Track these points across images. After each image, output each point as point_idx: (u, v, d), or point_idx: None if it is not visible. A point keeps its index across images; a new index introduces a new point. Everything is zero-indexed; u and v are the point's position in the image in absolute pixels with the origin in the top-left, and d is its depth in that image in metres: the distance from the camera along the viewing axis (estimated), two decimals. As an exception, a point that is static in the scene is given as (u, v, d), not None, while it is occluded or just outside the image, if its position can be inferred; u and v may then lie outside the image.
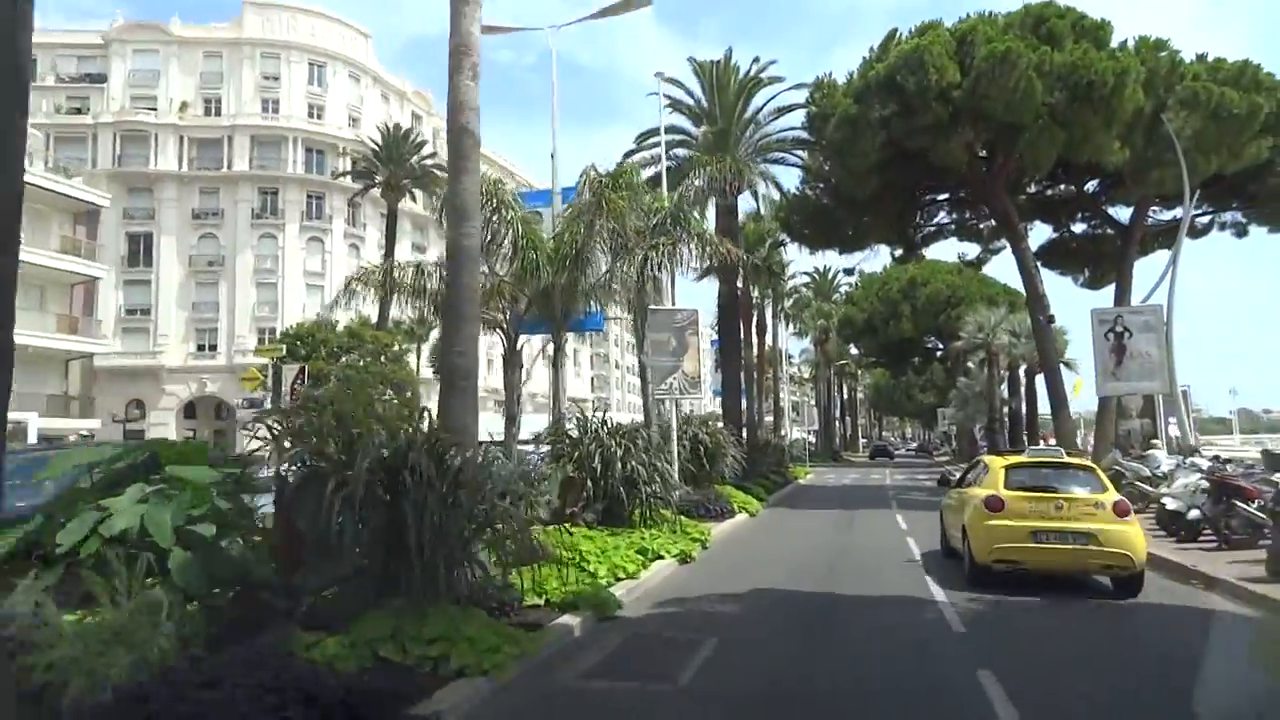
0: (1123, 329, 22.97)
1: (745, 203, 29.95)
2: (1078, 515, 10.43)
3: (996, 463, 12.36)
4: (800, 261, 67.74)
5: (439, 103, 73.80)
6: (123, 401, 56.83)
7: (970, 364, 47.94)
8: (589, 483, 13.57)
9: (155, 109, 61.68)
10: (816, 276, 69.76)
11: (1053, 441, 26.67)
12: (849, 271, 33.88)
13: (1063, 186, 32.75)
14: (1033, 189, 32.76)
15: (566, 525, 12.07)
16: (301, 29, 65.32)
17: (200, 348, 61.94)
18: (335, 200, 64.27)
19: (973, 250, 35.37)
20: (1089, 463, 13.56)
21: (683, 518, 16.30)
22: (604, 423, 14.50)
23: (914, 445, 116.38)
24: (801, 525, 20.54)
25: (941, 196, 33.22)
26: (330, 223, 66.30)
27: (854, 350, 78.46)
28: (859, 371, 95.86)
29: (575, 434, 14.55)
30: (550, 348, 18.87)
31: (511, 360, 17.57)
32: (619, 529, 13.68)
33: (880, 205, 30.34)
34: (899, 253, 34.66)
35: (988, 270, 45.27)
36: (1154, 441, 24.31)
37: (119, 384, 58.04)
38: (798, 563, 13.84)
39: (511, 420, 17.20)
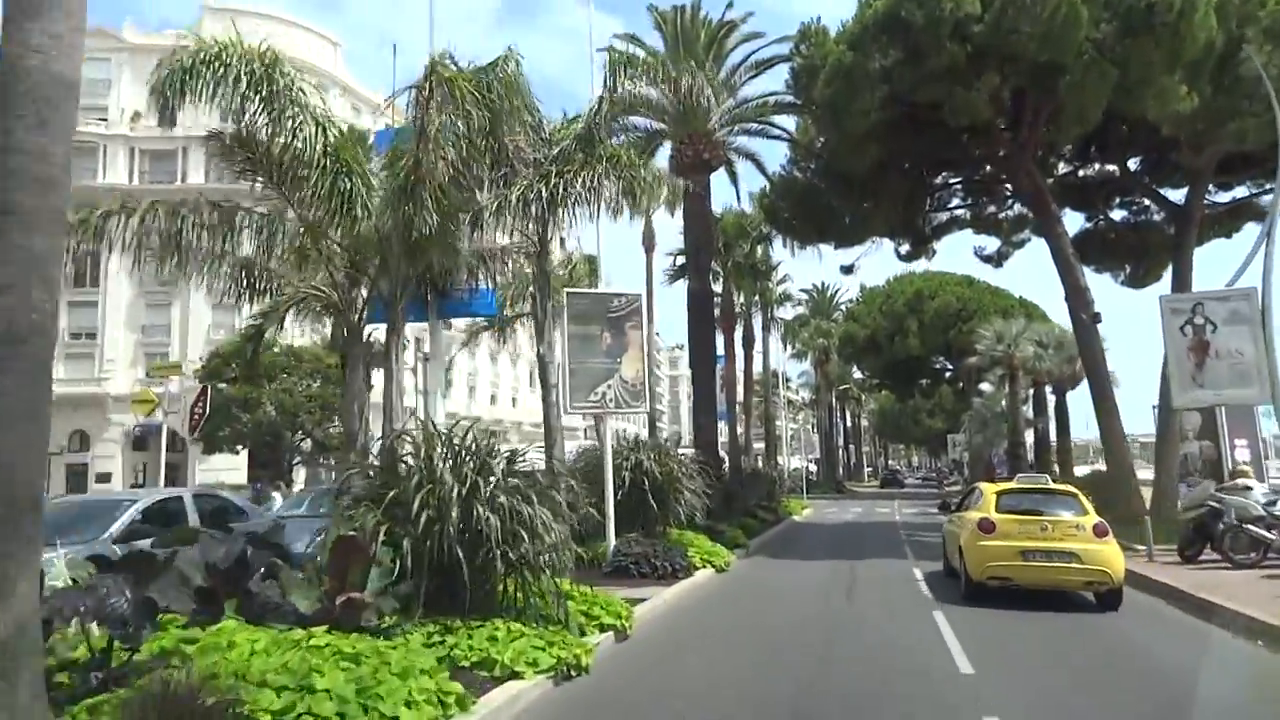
0: (1204, 320, 17.16)
1: (723, 193, 24.37)
2: (1062, 536, 11.32)
3: (989, 489, 13.27)
4: (792, 265, 62.11)
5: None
6: (65, 433, 51.42)
7: (986, 383, 42.16)
8: (401, 547, 7.87)
9: (105, 119, 56.91)
10: (815, 294, 64.19)
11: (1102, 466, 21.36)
12: (847, 270, 28.26)
13: (1098, 166, 27.18)
14: (1063, 169, 27.16)
15: (327, 626, 6.49)
16: (264, 36, 60.53)
17: (149, 374, 56.49)
18: (299, 216, 59.32)
19: (991, 244, 29.77)
20: (1071, 488, 13.67)
21: (598, 591, 10.58)
22: (457, 447, 8.74)
23: (922, 474, 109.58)
24: (784, 585, 14.71)
25: (955, 180, 27.64)
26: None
27: (857, 373, 72.71)
28: (863, 396, 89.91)
29: (409, 465, 8.80)
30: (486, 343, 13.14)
31: (356, 353, 11.92)
32: (454, 621, 7.95)
33: (882, 187, 24.76)
34: (905, 248, 28.96)
35: (1004, 277, 39.66)
36: (1242, 467, 18.43)
37: (60, 414, 52.13)
38: (763, 670, 8.14)
39: (351, 441, 11.55)
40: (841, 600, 12.62)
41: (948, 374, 62.74)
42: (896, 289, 52.54)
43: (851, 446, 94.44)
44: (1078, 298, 22.78)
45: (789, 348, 65.36)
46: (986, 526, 11.67)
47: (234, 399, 37.23)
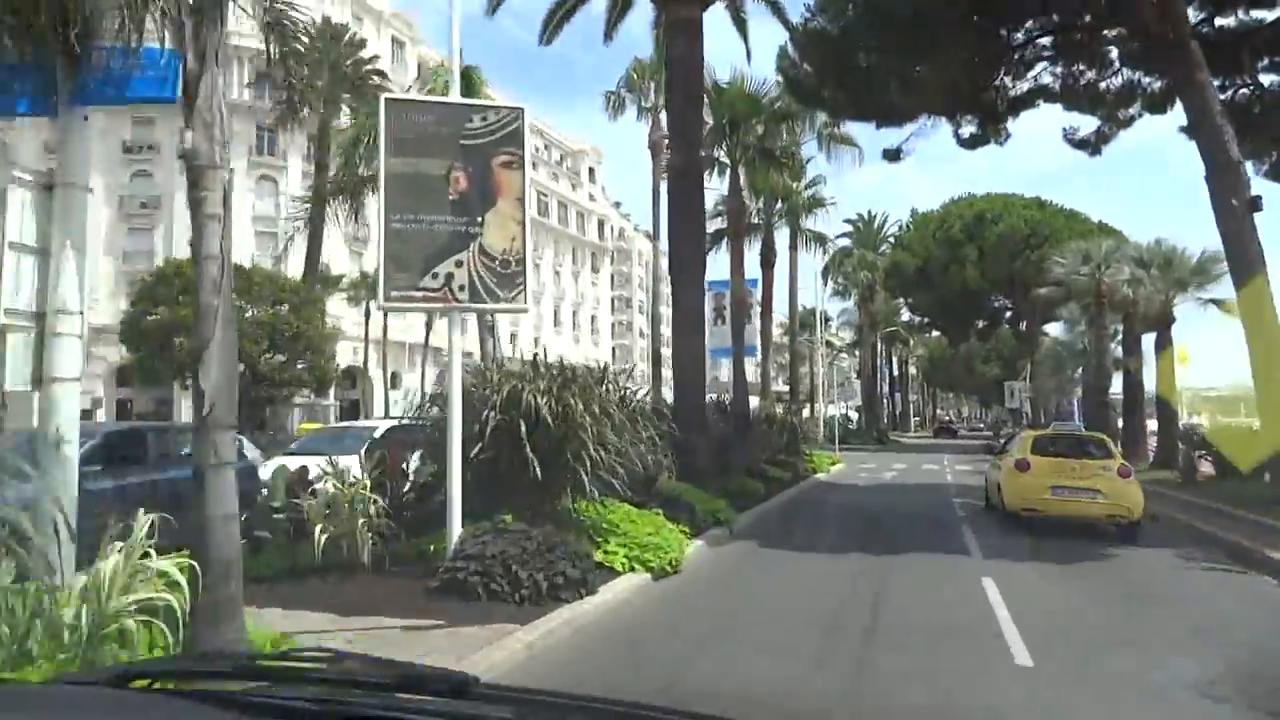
0: None
1: (729, 53, 17.25)
2: (1088, 475, 12.75)
3: (1027, 434, 15.59)
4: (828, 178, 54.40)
5: (423, 26, 62.95)
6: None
7: (1060, 320, 34.71)
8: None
9: (78, 24, 51.13)
10: (860, 224, 56.52)
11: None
12: (892, 156, 20.66)
13: (1240, 12, 19.58)
14: (1193, 16, 19.51)
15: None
16: (253, -68, 53.81)
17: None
18: (294, 133, 53.23)
19: (1087, 125, 22.20)
20: (1101, 435, 15.45)
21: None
22: None
23: (982, 425, 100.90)
24: (747, 618, 8.22)
25: (1042, 34, 20.19)
26: (285, 159, 55.28)
27: (905, 313, 65.01)
28: (911, 341, 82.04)
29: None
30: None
31: None
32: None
33: (943, 43, 17.61)
34: (969, 129, 21.66)
35: (1080, 201, 31.67)
36: None
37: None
38: None
39: None
40: (846, 679, 6.06)
41: (1008, 313, 54.93)
42: (953, 212, 44.83)
43: (898, 394, 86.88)
44: (1227, 177, 15.47)
45: (830, 283, 58.05)
46: (1022, 465, 13.15)
47: (170, 324, 31.51)
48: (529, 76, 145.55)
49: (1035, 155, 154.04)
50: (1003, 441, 18.30)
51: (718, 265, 26.93)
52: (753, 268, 27.25)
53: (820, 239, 26.99)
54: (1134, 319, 27.28)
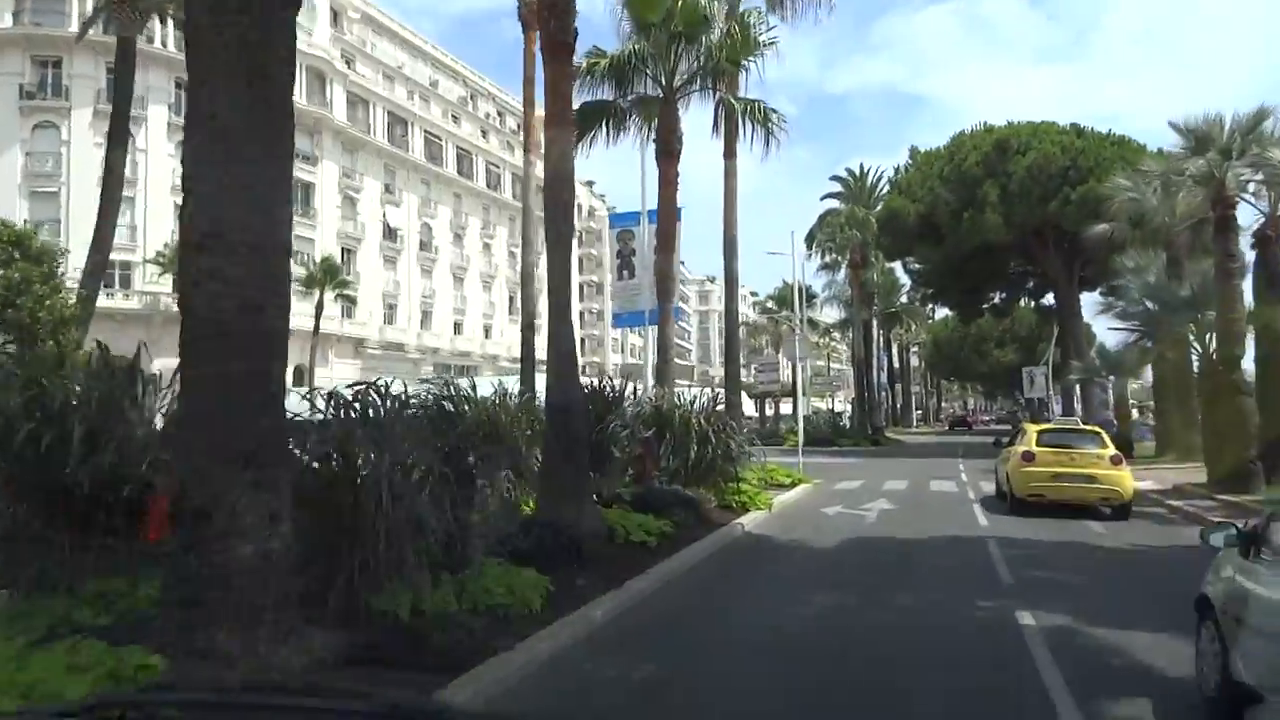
0: None
1: None
2: (1085, 464, 13.96)
3: (1031, 428, 16.34)
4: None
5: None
6: None
7: (1124, 266, 23.56)
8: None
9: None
10: (851, 180, 45.54)
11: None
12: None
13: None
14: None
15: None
16: None
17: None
18: (154, 75, 42.66)
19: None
20: (1096, 428, 17.19)
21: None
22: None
23: (994, 417, 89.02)
24: None
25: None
26: (146, 108, 44.42)
27: (904, 289, 53.75)
28: (912, 325, 70.78)
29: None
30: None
31: None
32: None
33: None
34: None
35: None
36: None
37: None
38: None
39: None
40: None
41: (1031, 282, 43.80)
42: (967, 144, 33.73)
43: (897, 385, 75.72)
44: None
45: (813, 252, 46.96)
46: (1028, 456, 14.24)
47: None
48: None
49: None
50: (1010, 438, 18.29)
51: (624, 182, 16.17)
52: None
53: (764, 118, 15.67)
54: (1272, 242, 16.18)
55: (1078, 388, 39.21)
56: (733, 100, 16.02)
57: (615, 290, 20.04)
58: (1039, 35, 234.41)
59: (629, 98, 15.17)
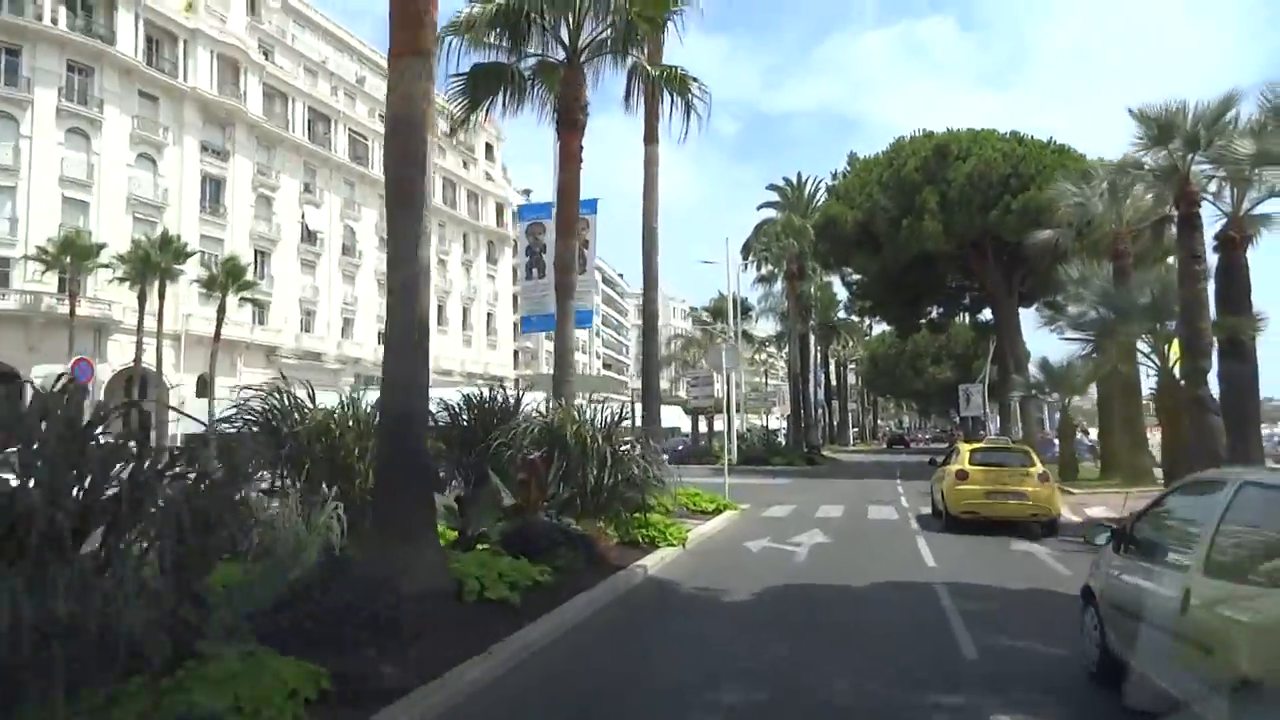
0: None
1: None
2: (1016, 481, 14.24)
3: (965, 448, 16.11)
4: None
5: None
6: None
7: (1068, 276, 22.10)
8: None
9: None
10: (789, 189, 44.03)
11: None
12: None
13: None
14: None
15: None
16: None
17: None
18: (43, 55, 38.95)
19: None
20: (1025, 446, 17.89)
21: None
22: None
23: (930, 434, 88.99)
24: None
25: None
26: (102, 110, 40.86)
27: (841, 301, 52.46)
28: (848, 342, 69.82)
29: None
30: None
31: None
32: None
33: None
34: None
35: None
36: None
37: None
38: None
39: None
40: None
41: (968, 297, 42.77)
42: (907, 151, 32.34)
43: (834, 402, 74.66)
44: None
45: (750, 264, 45.28)
46: (961, 475, 14.45)
47: None
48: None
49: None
50: (944, 457, 19.40)
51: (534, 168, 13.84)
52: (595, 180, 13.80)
53: (682, 85, 13.49)
54: (1237, 244, 14.68)
55: (1016, 405, 38.16)
56: (647, 66, 13.89)
57: (523, 291, 17.79)
58: (974, 60, 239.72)
59: (528, 61, 12.94)
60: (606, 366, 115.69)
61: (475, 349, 69.78)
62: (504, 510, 10.07)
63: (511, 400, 12.07)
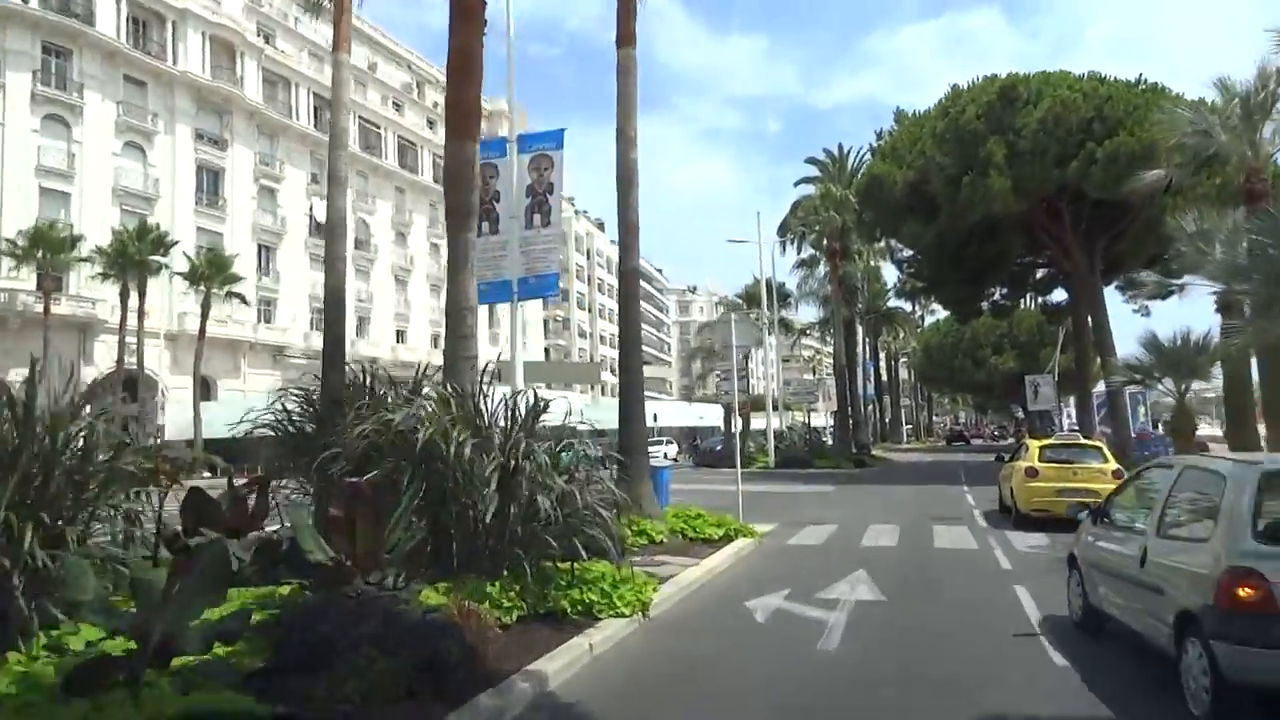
0: None
1: None
2: (1087, 478, 13.70)
3: (1034, 444, 15.88)
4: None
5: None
6: None
7: (1186, 225, 17.27)
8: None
9: None
10: (830, 161, 39.16)
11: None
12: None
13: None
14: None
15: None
16: None
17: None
18: (15, 36, 35.92)
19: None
20: (1097, 442, 17.72)
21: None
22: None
23: (993, 427, 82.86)
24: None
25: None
26: (82, 95, 38.01)
27: (890, 284, 47.22)
28: (900, 333, 64.36)
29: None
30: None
31: None
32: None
33: None
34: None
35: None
36: None
37: None
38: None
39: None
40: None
41: (1038, 274, 37.42)
42: (965, 99, 27.31)
43: (886, 397, 69.18)
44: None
45: (788, 244, 40.50)
46: (1032, 473, 14.15)
47: None
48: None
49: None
50: (1011, 454, 18.66)
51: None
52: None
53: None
54: None
55: (1103, 399, 32.93)
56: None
57: (486, 252, 13.50)
58: (1020, 49, 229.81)
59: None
60: (645, 364, 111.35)
61: (488, 342, 65.60)
62: (310, 572, 5.77)
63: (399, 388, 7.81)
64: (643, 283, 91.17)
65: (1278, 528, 4.62)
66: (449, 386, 7.39)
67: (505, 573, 6.57)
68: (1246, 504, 4.72)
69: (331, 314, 12.16)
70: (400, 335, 57.21)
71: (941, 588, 8.97)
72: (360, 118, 54.34)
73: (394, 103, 58.37)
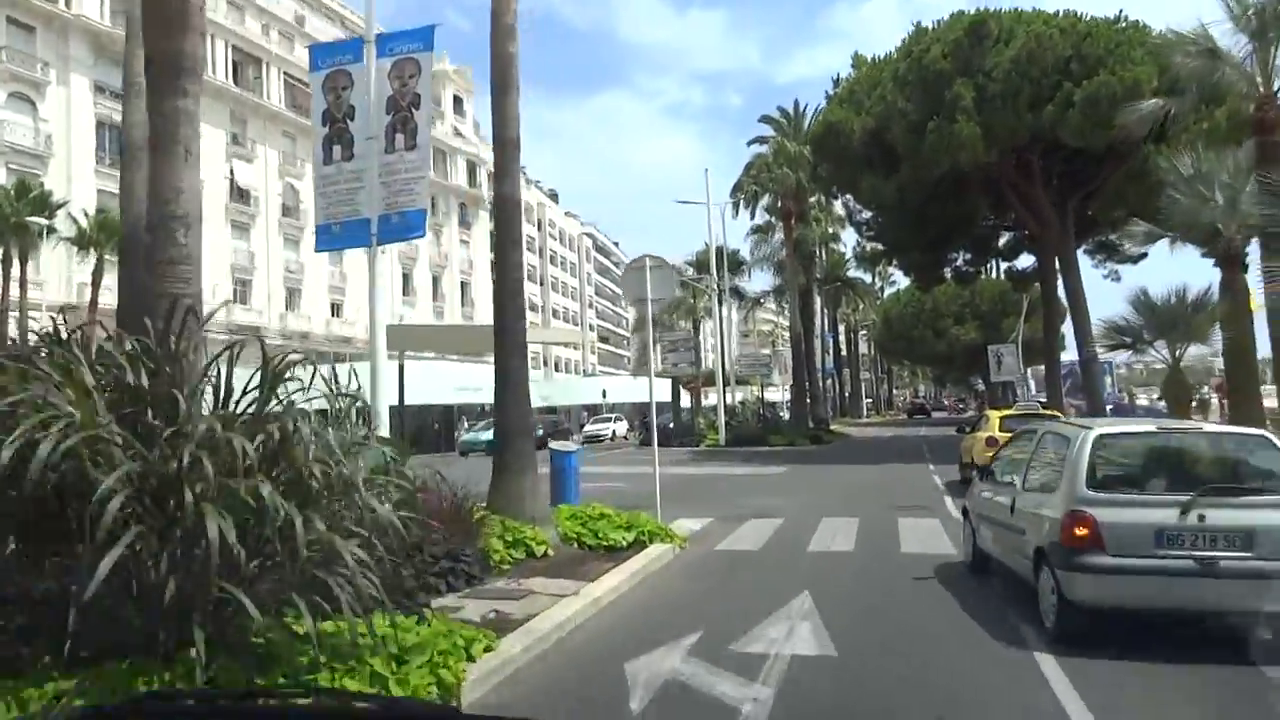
0: None
1: None
2: None
3: (994, 414, 17.96)
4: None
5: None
6: None
7: (1180, 166, 14.89)
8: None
9: None
10: (784, 118, 36.33)
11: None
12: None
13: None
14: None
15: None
16: None
17: None
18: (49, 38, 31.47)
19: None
20: (1055, 411, 18.88)
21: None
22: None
23: (954, 399, 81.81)
24: None
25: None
26: (47, 70, 33.87)
27: (850, 228, 44.52)
28: (859, 304, 62.07)
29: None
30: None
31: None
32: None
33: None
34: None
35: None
36: None
37: None
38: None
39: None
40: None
41: (1004, 237, 35.12)
42: (929, 38, 24.65)
43: (845, 370, 67.07)
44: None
45: (740, 206, 37.68)
46: (992, 442, 14.15)
47: None
48: None
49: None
50: (972, 425, 19.38)
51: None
52: None
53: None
54: None
55: (1069, 369, 30.94)
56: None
57: (318, 182, 10.55)
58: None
59: None
60: (603, 340, 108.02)
61: (448, 320, 62.29)
62: None
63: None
64: (599, 256, 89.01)
65: (1106, 479, 5.74)
66: (125, 340, 4.47)
67: (174, 652, 3.73)
68: (1084, 460, 5.71)
69: None
70: (335, 308, 53.67)
71: (916, 623, 6.29)
72: (284, 74, 50.42)
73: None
